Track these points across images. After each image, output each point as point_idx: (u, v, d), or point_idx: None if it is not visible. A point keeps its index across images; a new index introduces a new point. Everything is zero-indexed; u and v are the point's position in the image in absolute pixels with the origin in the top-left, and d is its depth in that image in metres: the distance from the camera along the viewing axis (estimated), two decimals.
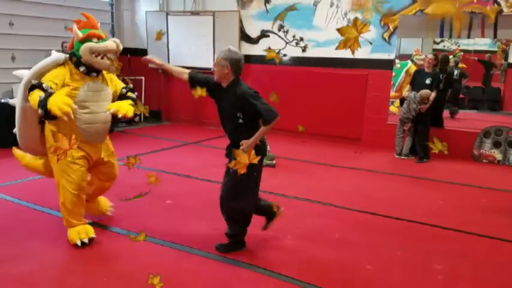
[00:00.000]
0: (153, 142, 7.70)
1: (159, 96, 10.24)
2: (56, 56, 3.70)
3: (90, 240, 3.74)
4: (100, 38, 3.69)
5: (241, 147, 3.42)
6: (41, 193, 4.83)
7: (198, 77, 3.73)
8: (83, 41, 3.61)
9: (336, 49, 2.54)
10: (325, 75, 8.29)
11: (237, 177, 3.24)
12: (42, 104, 3.27)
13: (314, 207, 4.90)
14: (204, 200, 4.95)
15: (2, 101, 6.95)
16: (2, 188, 5.06)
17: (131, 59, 10.37)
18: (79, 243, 3.68)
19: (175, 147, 7.58)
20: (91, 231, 3.79)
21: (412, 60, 9.51)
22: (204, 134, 8.80)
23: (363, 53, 7.97)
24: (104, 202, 4.35)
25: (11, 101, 3.96)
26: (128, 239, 3.88)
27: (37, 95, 3.32)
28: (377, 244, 4.01)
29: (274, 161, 6.55)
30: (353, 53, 2.53)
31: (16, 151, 4.17)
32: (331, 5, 8.19)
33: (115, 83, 3.97)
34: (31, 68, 3.71)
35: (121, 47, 3.76)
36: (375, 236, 4.18)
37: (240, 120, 3.50)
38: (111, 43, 3.68)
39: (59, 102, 3.26)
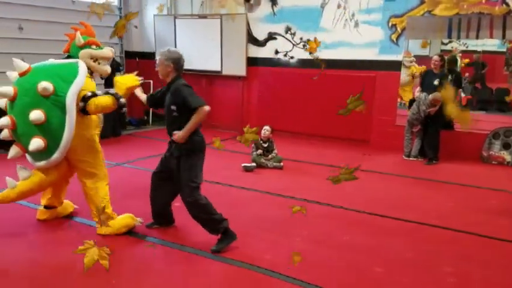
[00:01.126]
0: (161, 145, 7.70)
1: None
2: (85, 68, 3.90)
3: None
4: (98, 46, 4.10)
5: (173, 138, 3.65)
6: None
7: (154, 96, 4.08)
8: (83, 46, 4.00)
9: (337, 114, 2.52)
10: (333, 77, 8.26)
11: (189, 169, 3.69)
12: (118, 97, 3.87)
13: (323, 210, 4.88)
14: (212, 202, 4.95)
15: None
16: None
17: (139, 63, 10.45)
18: (138, 223, 4.08)
19: None
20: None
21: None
22: (211, 136, 8.72)
23: (370, 54, 7.97)
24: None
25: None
26: (136, 241, 3.93)
27: (106, 98, 3.83)
28: (386, 246, 4.00)
29: (281, 163, 6.55)
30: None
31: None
32: (339, 6, 8.18)
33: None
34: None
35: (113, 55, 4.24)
36: (384, 238, 4.17)
37: (174, 113, 3.71)
38: (108, 51, 4.13)
39: (125, 83, 3.96)
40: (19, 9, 8.01)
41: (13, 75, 3.84)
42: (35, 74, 3.76)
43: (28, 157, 3.91)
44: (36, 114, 3.60)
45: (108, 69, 4.18)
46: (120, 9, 10.30)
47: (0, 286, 3.18)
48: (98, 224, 4.00)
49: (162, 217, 4.19)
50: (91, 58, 4.01)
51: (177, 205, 4.42)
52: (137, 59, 10.50)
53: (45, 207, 4.30)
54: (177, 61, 3.81)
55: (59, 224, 4.28)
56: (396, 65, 7.84)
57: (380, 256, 3.80)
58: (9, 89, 3.68)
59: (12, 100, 3.71)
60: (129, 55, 10.58)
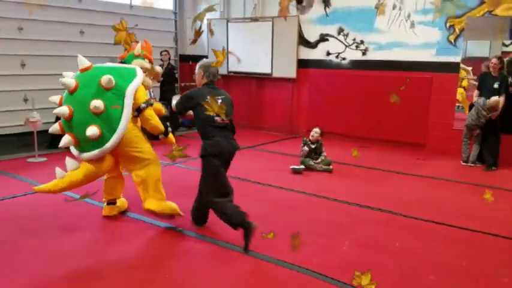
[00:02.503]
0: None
1: None
2: (142, 73, 4.28)
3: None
4: (150, 61, 4.57)
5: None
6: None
7: None
8: (137, 57, 4.45)
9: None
10: (387, 79, 8.08)
11: (202, 174, 4.01)
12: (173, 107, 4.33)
13: (373, 215, 4.76)
14: (258, 202, 4.97)
15: None
16: None
17: (193, 66, 10.67)
18: (180, 215, 4.24)
19: None
20: None
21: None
22: (260, 139, 8.84)
23: (427, 55, 7.71)
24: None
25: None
26: (185, 237, 4.00)
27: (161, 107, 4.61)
28: (440, 254, 3.83)
29: (331, 166, 6.45)
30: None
31: (42, 187, 3.91)
32: (394, 7, 7.98)
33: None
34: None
35: (161, 74, 4.86)
36: (438, 246, 3.99)
37: None
38: (157, 67, 4.69)
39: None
40: (81, 14, 8.40)
41: (69, 75, 4.12)
42: (97, 71, 4.08)
43: (74, 150, 4.07)
44: (97, 103, 3.85)
45: (150, 83, 4.55)
46: (175, 13, 10.59)
47: (64, 277, 3.34)
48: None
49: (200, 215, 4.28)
50: (141, 68, 4.35)
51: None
52: (190, 62, 10.73)
53: (108, 203, 4.50)
54: (206, 68, 4.04)
55: (117, 219, 4.45)
56: (454, 67, 7.54)
57: (434, 264, 3.64)
58: (72, 81, 3.97)
59: (72, 92, 3.97)
60: (183, 58, 10.85)
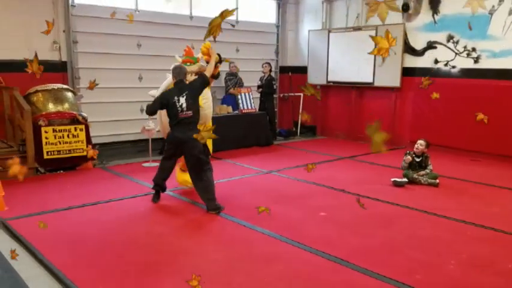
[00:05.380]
0: (308, 155, 7.90)
1: (315, 112, 10.42)
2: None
3: None
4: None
5: None
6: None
7: None
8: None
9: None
10: (502, 88, 7.45)
11: None
12: None
13: (483, 233, 4.40)
14: (357, 214, 4.86)
15: None
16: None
17: (292, 77, 10.84)
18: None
19: (330, 161, 7.62)
20: None
21: None
22: (359, 149, 8.65)
23: None
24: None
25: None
26: (282, 244, 4.06)
27: None
28: None
29: (437, 180, 6.08)
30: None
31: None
32: (510, 12, 7.37)
33: None
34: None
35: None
36: None
37: None
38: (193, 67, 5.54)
39: None
40: (138, 27, 8.23)
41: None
42: None
43: None
44: None
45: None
46: (277, 27, 10.86)
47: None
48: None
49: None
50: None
51: (322, 215, 4.42)
52: (290, 74, 10.91)
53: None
54: (174, 71, 5.02)
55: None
56: None
57: None
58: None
59: None
60: (283, 70, 11.07)
